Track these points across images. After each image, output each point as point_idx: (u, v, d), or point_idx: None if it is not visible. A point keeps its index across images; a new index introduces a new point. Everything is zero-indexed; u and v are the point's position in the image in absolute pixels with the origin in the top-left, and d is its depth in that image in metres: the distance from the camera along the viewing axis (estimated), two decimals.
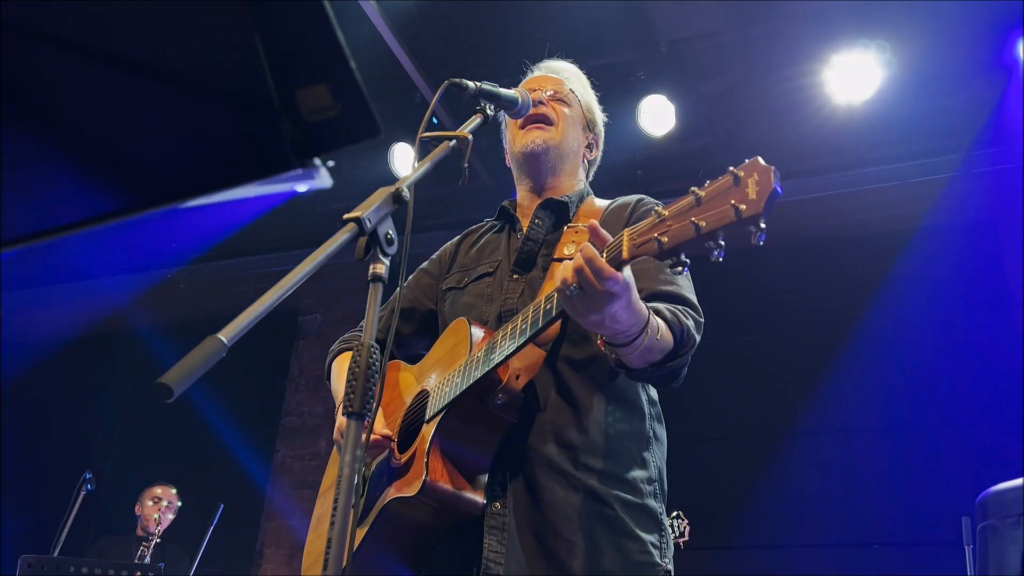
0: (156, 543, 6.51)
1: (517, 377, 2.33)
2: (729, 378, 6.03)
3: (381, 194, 1.81)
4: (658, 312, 2.22)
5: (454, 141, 2.21)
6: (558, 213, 2.66)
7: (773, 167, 1.71)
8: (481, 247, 2.79)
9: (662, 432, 2.54)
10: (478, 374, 2.25)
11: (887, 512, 5.57)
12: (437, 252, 2.95)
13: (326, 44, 0.87)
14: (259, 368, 7.95)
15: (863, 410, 5.86)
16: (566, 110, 2.73)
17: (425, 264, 2.94)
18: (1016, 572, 3.26)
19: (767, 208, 1.69)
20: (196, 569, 6.18)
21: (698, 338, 2.31)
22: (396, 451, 2.46)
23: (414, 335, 2.85)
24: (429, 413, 2.38)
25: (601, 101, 2.96)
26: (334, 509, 1.57)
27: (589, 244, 1.97)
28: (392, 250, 1.76)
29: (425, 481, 2.23)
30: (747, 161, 1.75)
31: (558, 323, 2.35)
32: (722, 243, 1.76)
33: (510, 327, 2.25)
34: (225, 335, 1.38)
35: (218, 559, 6.49)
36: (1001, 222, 5.62)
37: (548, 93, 2.73)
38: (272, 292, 1.52)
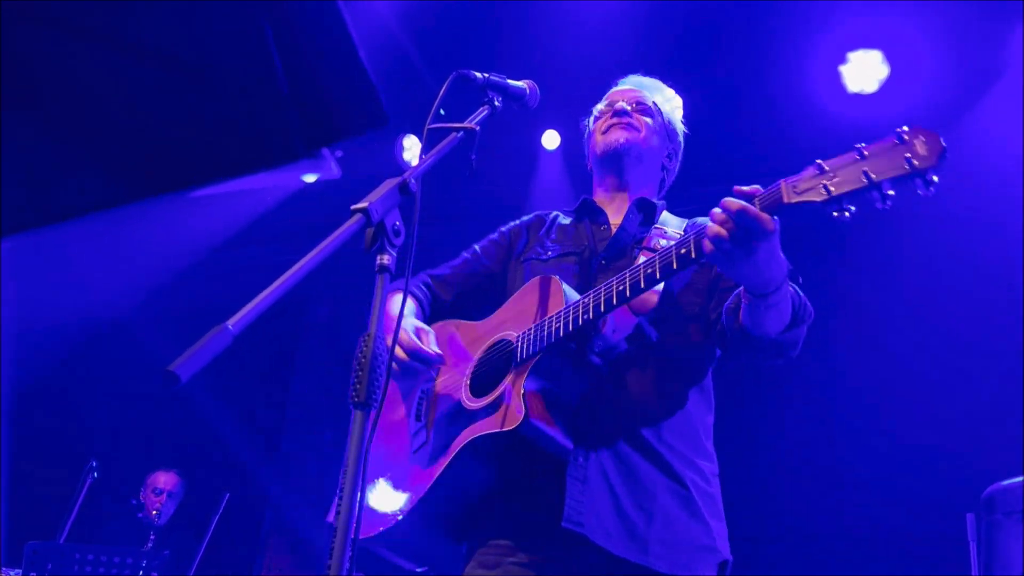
0: (161, 529, 6.53)
1: (614, 331, 2.39)
2: (731, 373, 6.02)
3: (388, 185, 1.81)
4: None
5: (461, 133, 2.22)
6: (646, 213, 2.74)
7: (938, 133, 1.89)
8: (560, 230, 2.82)
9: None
10: (588, 316, 2.29)
11: (891, 507, 5.56)
12: (504, 228, 2.97)
13: (335, 35, 0.88)
14: (265, 358, 7.96)
15: (867, 403, 5.85)
16: (648, 120, 2.81)
17: (493, 235, 2.97)
18: (1021, 567, 3.26)
19: (939, 162, 1.87)
20: (201, 557, 6.19)
21: (812, 312, 2.39)
22: (469, 395, 2.47)
23: (469, 299, 2.88)
24: (522, 355, 2.39)
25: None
26: (340, 495, 1.57)
27: (732, 198, 2.05)
28: (399, 241, 1.77)
29: (527, 417, 2.26)
30: (909, 127, 1.92)
31: (655, 299, 2.43)
32: (891, 193, 1.91)
33: (629, 274, 2.28)
34: (232, 324, 1.39)
35: (223, 548, 6.50)
36: (1002, 220, 5.60)
37: (632, 104, 2.83)
38: (279, 282, 1.52)
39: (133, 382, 7.89)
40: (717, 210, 2.07)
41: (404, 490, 2.50)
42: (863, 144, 1.96)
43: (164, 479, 6.79)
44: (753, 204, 2.06)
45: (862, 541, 5.69)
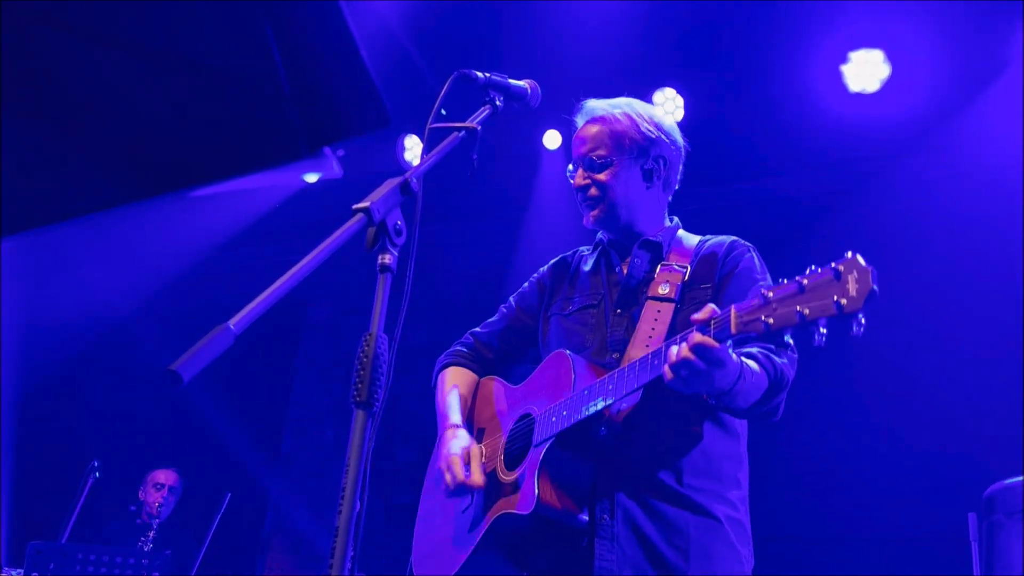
0: (162, 528, 6.54)
1: (618, 411, 2.54)
2: None
3: (389, 184, 1.81)
4: (751, 356, 2.45)
5: (463, 132, 2.22)
6: (653, 252, 2.79)
7: (872, 268, 1.94)
8: (581, 279, 2.93)
9: (746, 453, 2.76)
10: (586, 413, 2.46)
11: (892, 507, 5.56)
12: (533, 279, 3.09)
13: (337, 34, 0.88)
14: (267, 358, 7.97)
15: (868, 403, 5.85)
16: (606, 175, 2.77)
17: (524, 288, 3.10)
18: (1022, 566, 3.26)
19: (866, 305, 1.92)
20: (203, 557, 6.20)
21: (792, 375, 2.55)
22: (503, 468, 2.69)
23: (510, 355, 3.09)
24: (536, 439, 2.59)
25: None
26: (342, 497, 1.58)
27: (697, 332, 2.19)
28: (401, 240, 1.77)
29: (537, 501, 2.45)
30: (847, 256, 1.98)
31: None
32: (824, 331, 1.99)
33: (617, 374, 2.45)
34: (234, 323, 1.39)
35: (225, 547, 6.51)
36: (1003, 218, 5.60)
37: (585, 167, 2.81)
38: (280, 281, 1.52)
39: (135, 382, 7.91)
40: (674, 349, 2.22)
41: (453, 548, 2.76)
42: (805, 275, 2.04)
43: (164, 475, 6.81)
44: (709, 331, 2.18)
45: (863, 541, 5.69)
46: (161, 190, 0.91)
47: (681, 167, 2.91)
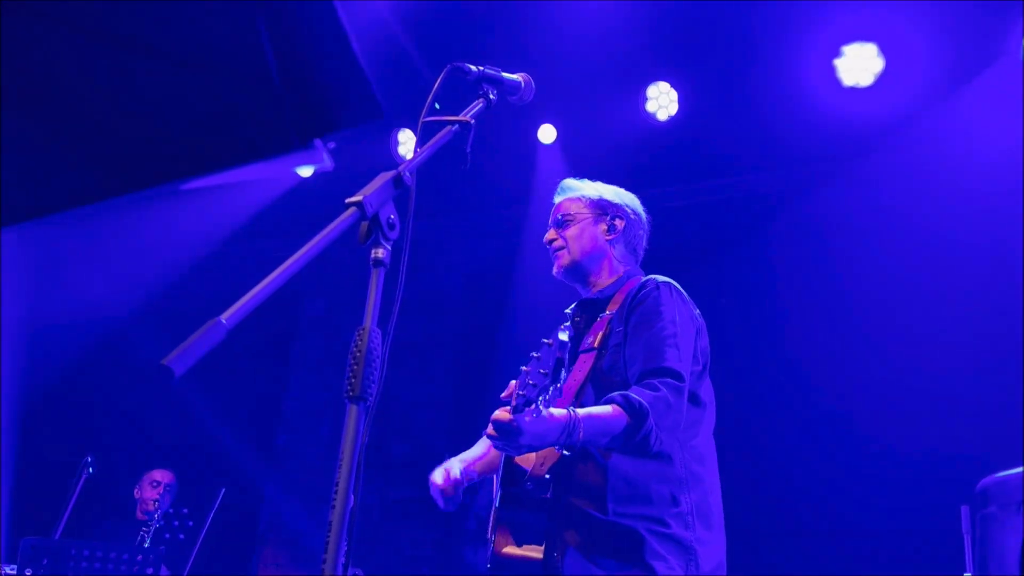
0: (158, 524, 6.53)
1: (541, 464, 2.87)
2: (721, 368, 6.02)
3: (383, 178, 1.81)
4: (609, 400, 2.72)
5: (457, 126, 2.21)
6: (592, 309, 3.14)
7: (563, 341, 2.50)
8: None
9: (703, 471, 2.96)
10: (501, 473, 2.91)
11: (884, 500, 5.57)
12: None
13: (329, 27, 0.87)
14: (261, 352, 7.95)
15: (861, 397, 5.85)
16: (569, 228, 3.18)
17: None
18: (1016, 560, 3.26)
19: (555, 373, 2.49)
20: (197, 553, 6.19)
21: (672, 400, 2.76)
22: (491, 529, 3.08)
23: None
24: (495, 501, 2.99)
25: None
26: (336, 494, 1.58)
27: (499, 410, 2.56)
28: (394, 235, 1.77)
29: (491, 553, 2.89)
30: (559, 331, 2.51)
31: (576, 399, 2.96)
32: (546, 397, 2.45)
33: None
34: (226, 318, 1.39)
35: (219, 543, 6.50)
36: (999, 213, 5.61)
37: (554, 226, 3.22)
38: (273, 276, 1.52)
39: (130, 378, 7.88)
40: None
41: None
42: (539, 354, 2.48)
43: (161, 474, 6.81)
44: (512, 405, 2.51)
45: (855, 535, 5.70)
46: (154, 182, 0.91)
47: (644, 235, 3.27)
